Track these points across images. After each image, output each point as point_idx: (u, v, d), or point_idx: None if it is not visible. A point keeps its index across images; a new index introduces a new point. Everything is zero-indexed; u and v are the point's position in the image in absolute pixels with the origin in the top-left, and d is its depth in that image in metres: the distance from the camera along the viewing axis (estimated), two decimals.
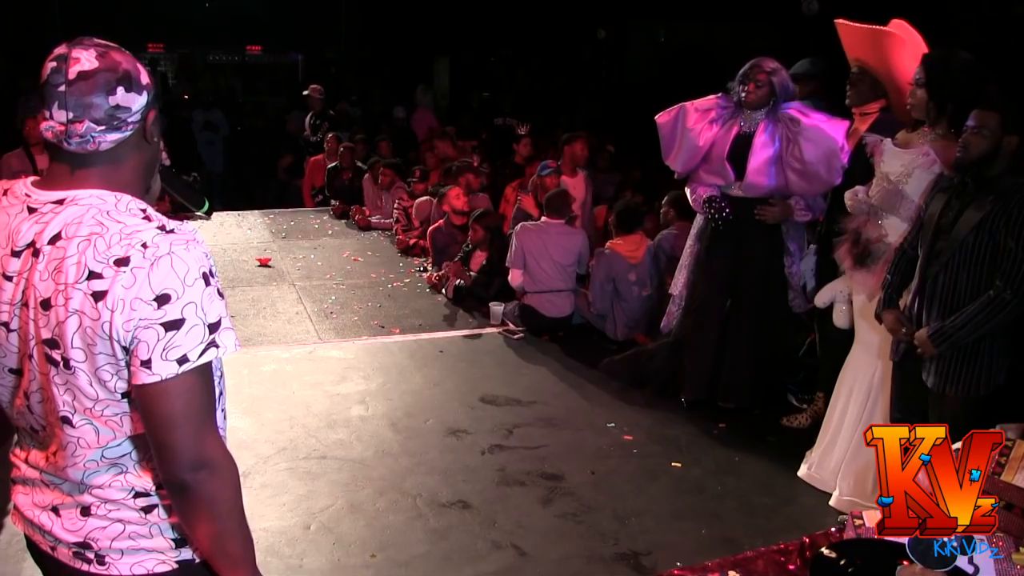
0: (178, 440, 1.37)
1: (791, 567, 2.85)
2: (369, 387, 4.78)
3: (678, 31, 12.93)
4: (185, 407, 1.37)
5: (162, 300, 1.32)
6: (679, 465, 3.96)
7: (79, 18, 14.20)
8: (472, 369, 5.11)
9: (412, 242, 7.71)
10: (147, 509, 1.49)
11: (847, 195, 3.58)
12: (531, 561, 3.20)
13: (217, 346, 1.38)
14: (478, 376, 4.99)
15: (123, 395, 1.40)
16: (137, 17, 15.65)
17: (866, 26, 3.67)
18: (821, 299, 3.88)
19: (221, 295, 1.40)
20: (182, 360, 1.34)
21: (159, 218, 1.40)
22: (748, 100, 4.12)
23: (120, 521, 1.48)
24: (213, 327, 1.37)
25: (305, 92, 10.09)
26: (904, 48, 3.55)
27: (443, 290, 6.35)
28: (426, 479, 3.77)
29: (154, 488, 1.49)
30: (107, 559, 1.50)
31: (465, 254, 6.43)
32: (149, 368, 1.33)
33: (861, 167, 3.64)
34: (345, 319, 5.97)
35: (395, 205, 8.21)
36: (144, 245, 1.33)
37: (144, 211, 1.40)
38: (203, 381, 1.40)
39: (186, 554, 1.52)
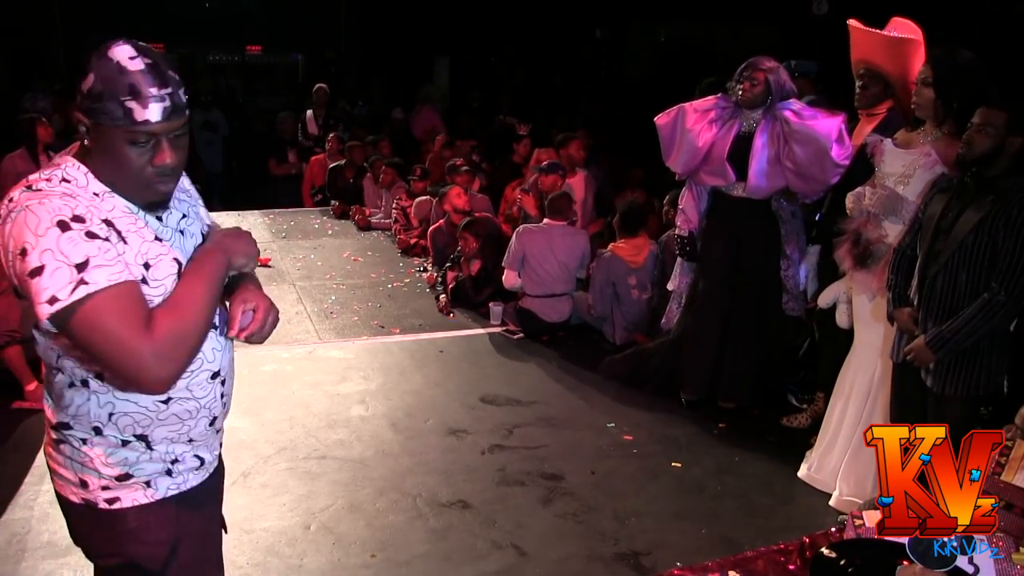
0: (112, 364, 1.50)
1: (791, 567, 2.85)
2: (369, 387, 4.77)
3: (678, 31, 12.94)
4: (95, 337, 1.46)
5: (23, 253, 1.45)
6: (679, 465, 3.96)
7: (79, 18, 14.20)
8: (472, 369, 5.11)
9: (412, 242, 7.71)
10: (57, 442, 1.68)
11: (848, 197, 3.58)
12: (531, 561, 3.20)
13: (87, 283, 1.44)
14: (478, 376, 4.99)
15: (49, 334, 1.56)
16: (137, 17, 15.64)
17: (885, 33, 3.64)
18: (824, 299, 3.87)
19: (95, 237, 1.48)
20: (52, 300, 1.43)
21: (41, 177, 1.54)
22: (743, 98, 4.13)
23: (49, 445, 1.72)
24: (80, 267, 1.44)
25: (322, 85, 10.04)
26: (921, 51, 3.53)
27: (438, 299, 6.29)
28: (426, 479, 3.77)
29: (60, 425, 1.66)
30: (53, 475, 1.75)
31: (454, 260, 6.40)
32: (39, 315, 1.46)
33: (863, 167, 3.64)
34: (345, 319, 5.97)
35: (394, 205, 8.21)
36: (10, 200, 1.50)
37: (49, 177, 1.54)
38: (105, 310, 1.45)
39: (89, 496, 1.66)
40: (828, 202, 4.10)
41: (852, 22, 3.74)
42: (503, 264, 5.75)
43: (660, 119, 4.37)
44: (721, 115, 4.22)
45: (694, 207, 4.45)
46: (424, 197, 7.69)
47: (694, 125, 4.23)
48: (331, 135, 9.49)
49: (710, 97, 4.31)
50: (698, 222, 4.46)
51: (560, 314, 5.68)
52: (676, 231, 4.57)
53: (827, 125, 3.94)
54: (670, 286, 4.73)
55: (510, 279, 5.70)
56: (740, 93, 4.13)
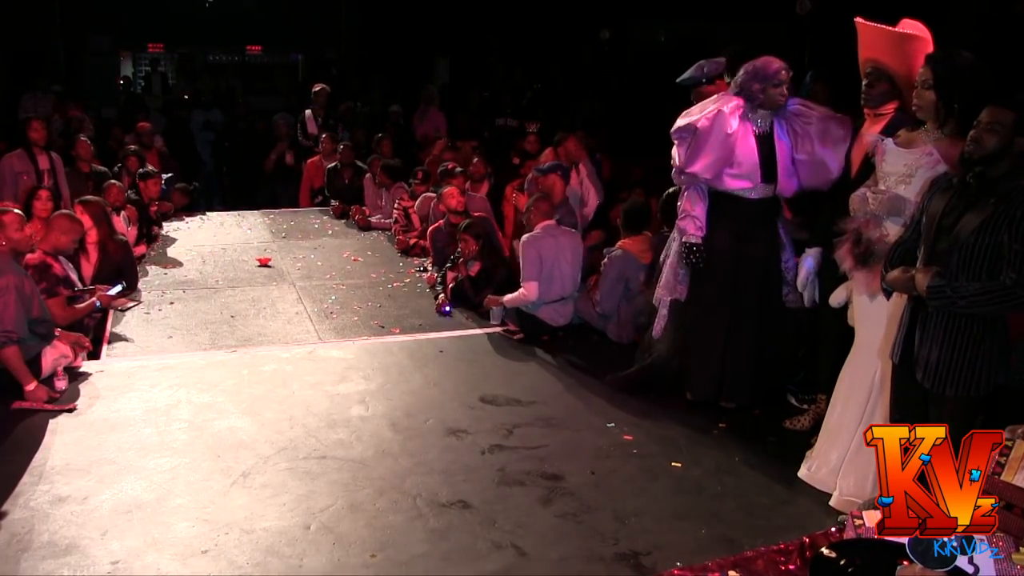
0: None
1: (791, 567, 2.85)
2: (369, 387, 4.77)
3: (678, 31, 12.94)
4: None
5: None
6: (679, 465, 3.96)
7: (79, 18, 14.20)
8: (472, 369, 5.11)
9: (412, 242, 7.71)
10: None
11: (852, 198, 3.56)
12: (531, 561, 3.20)
13: None
14: (478, 376, 4.99)
15: None
16: (137, 17, 15.66)
17: (891, 29, 3.63)
18: (836, 299, 3.80)
19: None
20: None
21: None
22: (779, 103, 4.14)
23: None
24: None
25: (319, 87, 10.04)
26: (928, 49, 3.52)
27: (437, 299, 6.28)
28: (426, 479, 3.77)
29: None
30: None
31: (454, 261, 6.39)
32: None
33: (868, 168, 3.63)
34: (345, 319, 5.97)
35: (395, 205, 8.21)
36: None
37: None
38: None
39: None
40: (830, 202, 4.09)
41: (859, 19, 3.73)
42: (523, 279, 5.56)
43: (702, 123, 4.19)
44: (743, 116, 4.21)
45: (703, 213, 4.33)
46: (428, 194, 7.68)
47: (731, 128, 4.16)
48: (324, 135, 9.49)
49: (733, 98, 4.22)
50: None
51: (565, 317, 5.67)
52: (685, 239, 4.34)
53: (844, 122, 4.08)
54: (663, 295, 4.56)
55: (533, 291, 5.49)
56: (779, 98, 4.13)
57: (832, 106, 4.34)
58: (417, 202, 7.81)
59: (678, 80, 4.89)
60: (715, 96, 4.35)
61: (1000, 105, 2.80)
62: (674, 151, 4.38)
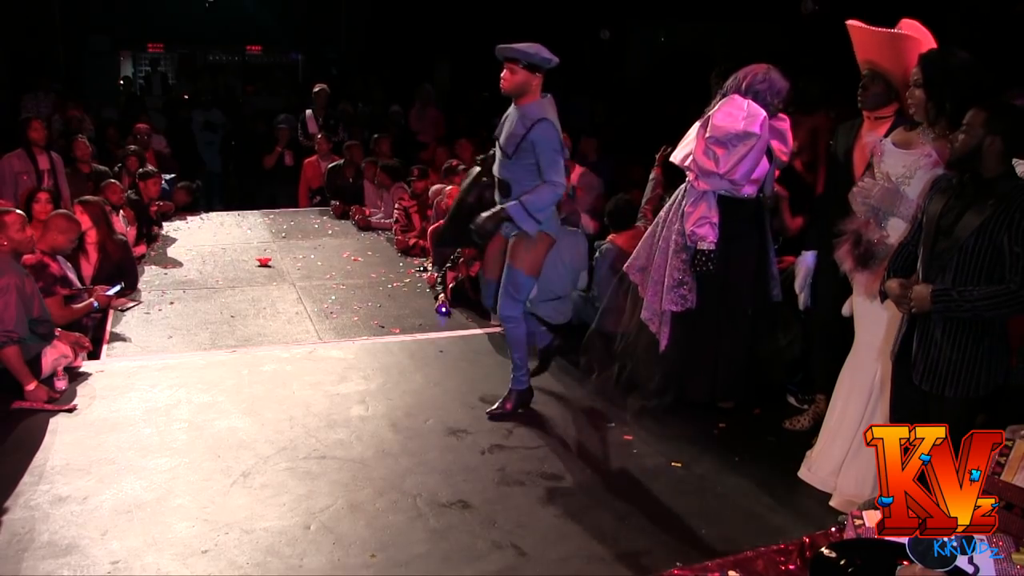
0: None
1: (791, 567, 2.85)
2: (369, 387, 4.77)
3: (678, 31, 12.93)
4: None
5: None
6: (679, 465, 3.96)
7: (79, 18, 14.21)
8: (472, 369, 5.10)
9: (412, 242, 7.71)
10: None
11: (853, 196, 3.55)
12: (531, 561, 3.20)
13: None
14: (478, 376, 4.99)
15: None
16: (137, 17, 15.65)
17: (882, 29, 3.61)
18: (848, 310, 3.73)
19: None
20: None
21: None
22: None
23: None
24: None
25: (319, 87, 10.03)
26: (922, 49, 3.52)
27: (437, 299, 6.29)
28: (426, 479, 3.77)
29: None
30: None
31: (453, 262, 6.39)
32: None
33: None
34: (345, 319, 5.97)
35: (395, 205, 8.21)
36: None
37: None
38: None
39: None
40: (829, 204, 4.08)
41: (849, 22, 3.72)
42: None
43: (759, 131, 4.06)
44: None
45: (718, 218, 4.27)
46: (438, 186, 7.64)
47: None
48: (319, 135, 9.47)
49: (754, 104, 4.12)
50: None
51: (564, 315, 5.67)
52: (703, 245, 4.22)
53: None
54: (668, 307, 4.32)
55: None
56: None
57: (793, 108, 4.44)
58: (432, 189, 7.75)
59: (511, 46, 4.18)
60: (738, 99, 4.14)
61: (980, 105, 2.81)
62: (701, 155, 4.17)
